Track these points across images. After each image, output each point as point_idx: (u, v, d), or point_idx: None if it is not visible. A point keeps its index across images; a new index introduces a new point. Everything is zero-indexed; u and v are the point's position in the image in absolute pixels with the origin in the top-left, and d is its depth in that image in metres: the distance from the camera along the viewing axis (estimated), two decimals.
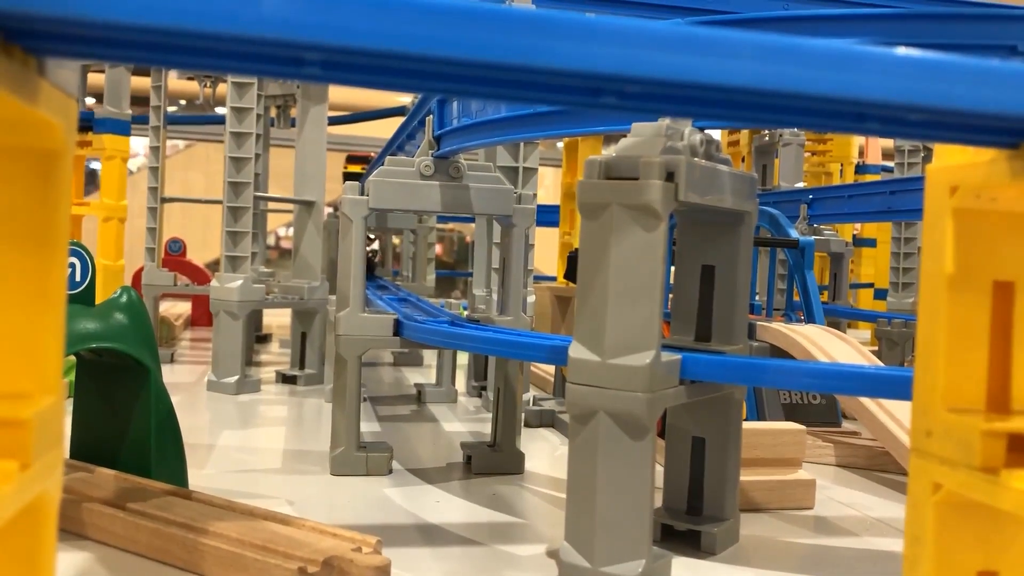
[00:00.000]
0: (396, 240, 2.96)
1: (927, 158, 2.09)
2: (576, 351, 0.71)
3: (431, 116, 1.04)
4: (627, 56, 0.29)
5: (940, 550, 0.41)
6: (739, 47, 0.30)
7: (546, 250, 2.51)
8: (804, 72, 0.31)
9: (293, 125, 1.93)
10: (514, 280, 1.09)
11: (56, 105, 0.33)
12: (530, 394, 1.47)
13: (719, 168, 0.74)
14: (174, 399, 0.91)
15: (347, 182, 1.03)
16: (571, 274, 1.71)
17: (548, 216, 2.30)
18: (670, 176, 0.68)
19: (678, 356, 0.72)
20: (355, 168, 2.73)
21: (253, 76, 1.58)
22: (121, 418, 0.89)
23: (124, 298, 0.87)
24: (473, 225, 1.78)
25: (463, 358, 1.77)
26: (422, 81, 0.33)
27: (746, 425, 0.90)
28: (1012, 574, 0.42)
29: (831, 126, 0.37)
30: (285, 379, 1.73)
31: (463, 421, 1.44)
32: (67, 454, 0.91)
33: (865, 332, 2.90)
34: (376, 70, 0.32)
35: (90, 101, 2.57)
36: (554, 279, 2.39)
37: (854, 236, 2.86)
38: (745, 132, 2.48)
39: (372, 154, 2.75)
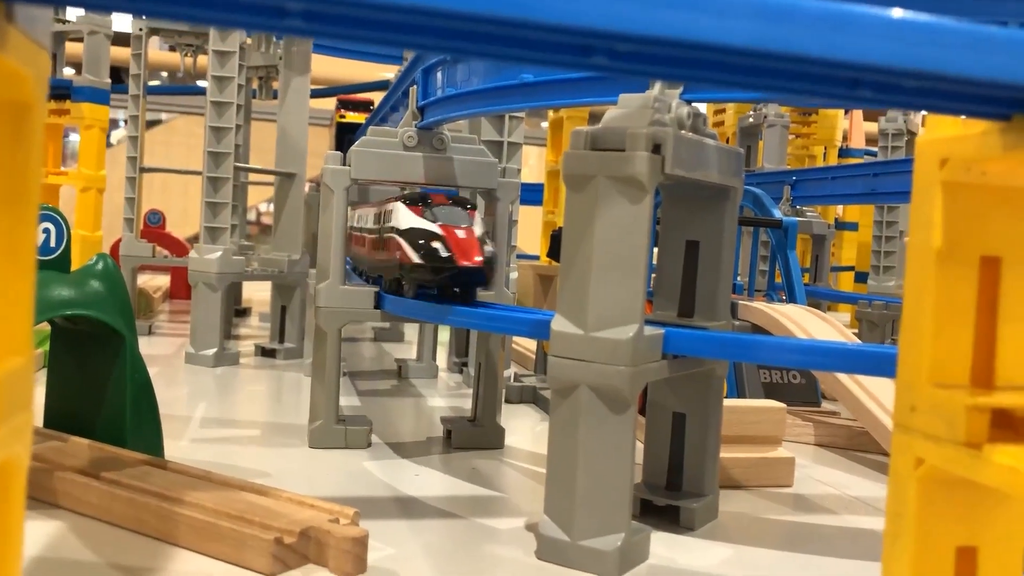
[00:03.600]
0: None
1: (911, 142, 2.10)
2: (559, 324, 0.70)
3: (415, 86, 1.03)
4: (620, 11, 0.29)
5: (921, 526, 0.41)
6: (733, 4, 0.30)
7: (529, 229, 2.50)
8: (800, 33, 0.31)
9: (275, 97, 1.91)
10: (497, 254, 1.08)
11: (25, 54, 0.32)
12: (511, 370, 1.47)
13: (706, 142, 0.73)
14: (152, 371, 0.90)
15: (329, 152, 1.01)
16: (554, 253, 1.70)
17: (532, 195, 2.29)
18: (657, 148, 0.67)
19: (661, 330, 0.71)
20: (355, 118, 2.25)
21: (233, 27, 1.56)
22: (96, 387, 0.88)
23: (100, 265, 0.86)
24: None
25: (444, 334, 1.77)
26: (405, 35, 0.32)
27: (727, 402, 0.90)
28: (991, 550, 0.42)
29: (825, 92, 0.36)
30: (264, 352, 1.72)
31: (444, 397, 1.44)
32: (41, 423, 0.90)
33: (845, 314, 2.91)
34: (358, 22, 0.31)
35: (69, 72, 2.53)
36: (537, 258, 2.38)
37: (836, 220, 2.87)
38: (731, 112, 2.48)
39: (373, 99, 2.23)
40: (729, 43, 0.30)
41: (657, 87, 0.70)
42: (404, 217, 0.91)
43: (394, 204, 0.94)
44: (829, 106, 2.23)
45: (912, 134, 2.11)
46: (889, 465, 0.42)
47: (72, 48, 2.16)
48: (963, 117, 0.39)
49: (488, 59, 0.81)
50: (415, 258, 0.88)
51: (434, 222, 0.90)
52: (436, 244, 0.88)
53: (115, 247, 2.18)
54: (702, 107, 0.76)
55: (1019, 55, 0.32)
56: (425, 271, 0.88)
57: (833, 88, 0.36)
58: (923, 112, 0.37)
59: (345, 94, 2.58)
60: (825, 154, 2.94)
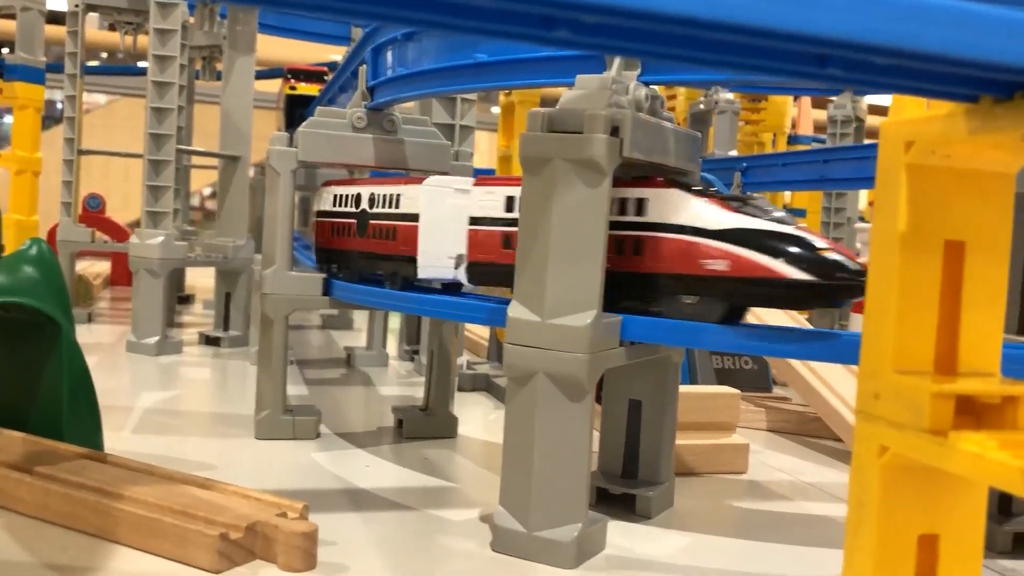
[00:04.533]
0: None
1: (859, 129, 2.12)
2: (515, 311, 0.69)
3: (364, 66, 1.00)
4: None
5: (884, 514, 0.40)
6: None
7: None
8: (768, 5, 0.29)
9: (219, 79, 1.86)
10: None
11: None
12: (463, 358, 1.45)
13: (664, 125, 0.72)
14: (92, 360, 0.86)
15: (275, 133, 0.98)
16: None
17: None
18: (615, 131, 0.65)
19: (618, 317, 0.70)
20: (308, 89, 2.14)
21: None
22: (31, 378, 0.84)
23: (34, 250, 0.82)
24: None
25: (395, 321, 1.74)
26: (353, 4, 0.30)
27: (682, 389, 0.90)
28: (952, 537, 0.41)
29: (792, 71, 0.35)
30: (208, 341, 1.68)
31: (394, 385, 1.41)
32: None
33: None
34: None
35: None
36: None
37: (784, 206, 2.89)
38: (681, 99, 2.48)
39: (328, 71, 2.13)
40: (696, 15, 0.29)
41: (615, 68, 0.69)
42: (706, 213, 0.67)
43: (655, 191, 0.70)
44: (798, 88, 2.23)
45: (860, 121, 2.13)
46: (852, 453, 0.41)
47: (4, 25, 2.08)
48: (930, 99, 0.38)
49: (445, 30, 0.78)
50: (794, 273, 0.64)
51: (770, 221, 0.67)
52: (832, 255, 0.64)
53: (52, 232, 2.11)
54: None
55: (991, 33, 0.32)
56: (815, 292, 0.64)
57: (801, 66, 0.35)
58: (872, 97, 0.36)
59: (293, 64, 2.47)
60: (774, 141, 2.96)
